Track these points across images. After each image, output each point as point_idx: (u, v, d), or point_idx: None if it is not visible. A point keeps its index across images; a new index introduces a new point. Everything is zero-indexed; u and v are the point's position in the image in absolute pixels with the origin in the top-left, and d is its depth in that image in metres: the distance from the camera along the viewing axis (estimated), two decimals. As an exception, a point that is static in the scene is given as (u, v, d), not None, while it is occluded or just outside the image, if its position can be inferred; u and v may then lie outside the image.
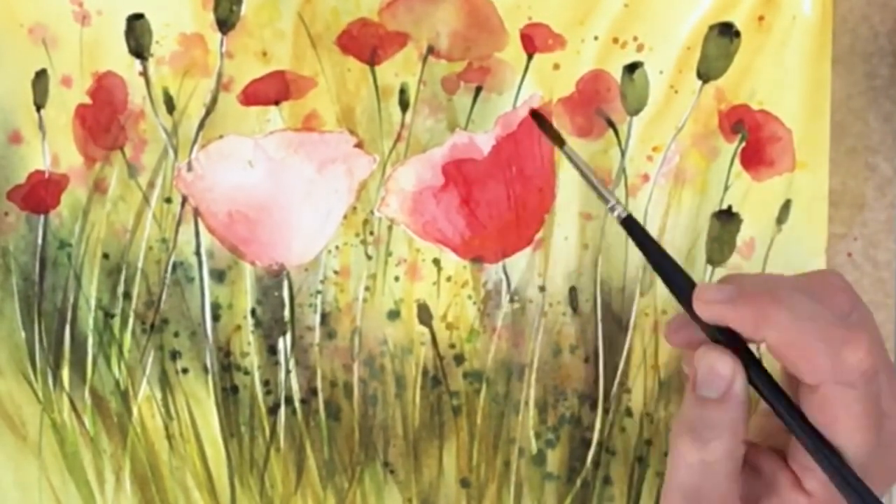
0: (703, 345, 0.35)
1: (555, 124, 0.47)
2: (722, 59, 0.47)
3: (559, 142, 0.42)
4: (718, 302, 0.34)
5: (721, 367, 0.34)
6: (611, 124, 0.47)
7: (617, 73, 0.47)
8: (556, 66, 0.47)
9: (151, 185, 0.47)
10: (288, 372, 0.48)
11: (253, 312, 0.48)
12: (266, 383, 0.48)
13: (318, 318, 0.48)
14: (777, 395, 0.34)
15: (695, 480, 0.34)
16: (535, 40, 0.47)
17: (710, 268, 0.48)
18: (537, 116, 0.44)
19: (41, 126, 0.47)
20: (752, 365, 0.35)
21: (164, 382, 0.48)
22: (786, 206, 0.47)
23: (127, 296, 0.48)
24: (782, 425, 0.35)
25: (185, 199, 0.48)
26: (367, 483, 0.48)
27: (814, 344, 0.33)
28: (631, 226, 0.38)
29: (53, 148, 0.47)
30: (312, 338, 0.48)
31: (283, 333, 0.48)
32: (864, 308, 0.36)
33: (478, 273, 0.48)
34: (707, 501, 0.35)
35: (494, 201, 0.47)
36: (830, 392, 0.33)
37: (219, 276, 0.48)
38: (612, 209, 0.38)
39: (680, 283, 0.36)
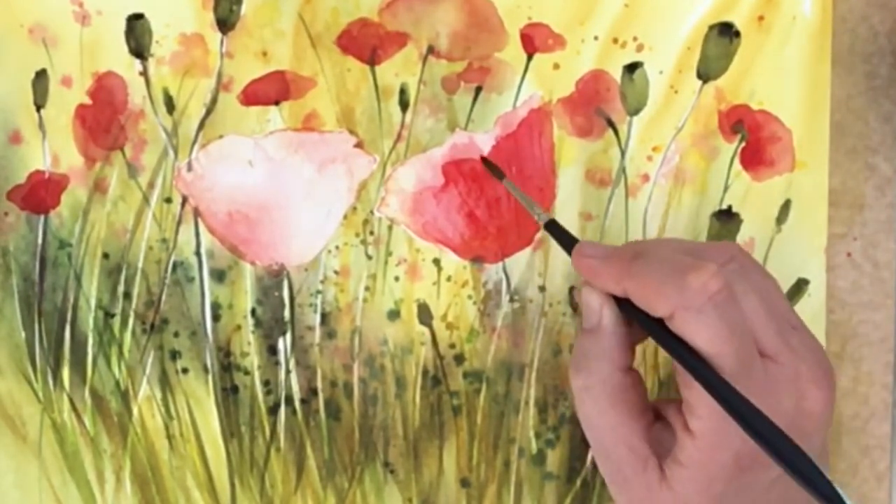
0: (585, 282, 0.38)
1: (554, 125, 0.47)
2: (722, 59, 0.47)
3: (499, 175, 0.45)
4: (592, 256, 0.37)
5: (591, 300, 0.37)
6: (611, 124, 0.47)
7: (617, 73, 0.47)
8: (556, 66, 0.47)
9: (151, 185, 0.47)
10: (288, 372, 0.48)
11: (253, 312, 0.48)
12: (266, 383, 0.48)
13: (318, 318, 0.48)
14: (651, 324, 0.35)
15: (584, 408, 0.37)
16: (535, 40, 0.47)
17: (709, 268, 0.48)
18: (486, 161, 0.47)
19: (41, 126, 0.47)
20: (627, 303, 0.36)
21: (165, 382, 0.48)
22: (786, 206, 0.47)
23: (127, 296, 0.48)
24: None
25: (185, 199, 0.47)
26: (367, 483, 0.48)
27: (662, 278, 0.34)
28: (553, 230, 0.41)
29: (53, 148, 0.47)
30: (312, 338, 0.48)
31: (284, 333, 0.48)
32: (748, 263, 0.37)
33: (478, 273, 0.48)
34: (598, 428, 0.37)
35: (494, 201, 0.47)
36: (680, 318, 0.33)
37: (219, 276, 0.48)
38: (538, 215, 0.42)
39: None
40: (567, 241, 0.40)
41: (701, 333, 0.33)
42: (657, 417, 0.38)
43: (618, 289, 0.36)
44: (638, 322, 0.36)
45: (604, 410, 0.36)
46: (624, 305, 0.37)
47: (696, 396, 0.34)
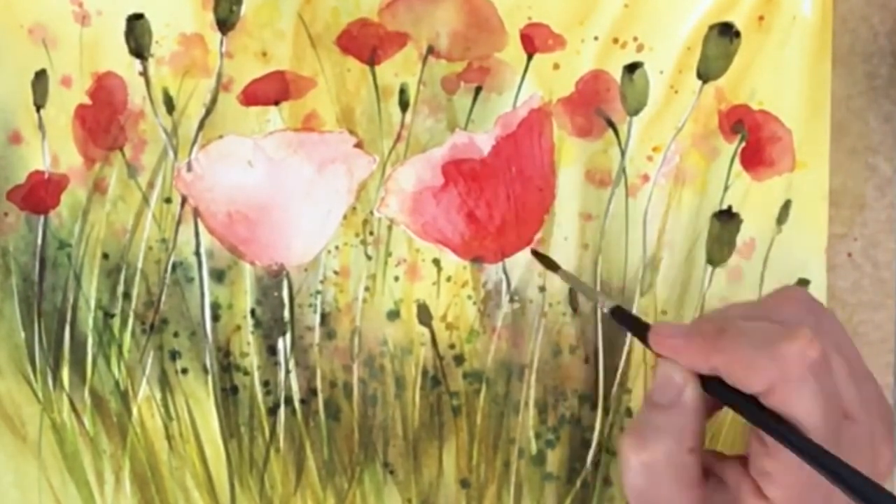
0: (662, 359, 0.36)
1: (554, 125, 0.47)
2: (722, 59, 0.47)
3: (553, 267, 0.46)
4: (673, 336, 0.35)
5: (674, 374, 0.35)
6: (611, 124, 0.47)
7: (617, 74, 0.47)
8: (556, 66, 0.47)
9: (151, 185, 0.47)
10: (287, 372, 0.48)
11: (252, 313, 0.48)
12: (266, 384, 0.48)
13: (317, 319, 0.48)
14: (740, 400, 0.34)
15: (639, 482, 0.35)
16: (534, 40, 0.47)
17: (710, 268, 0.48)
18: (537, 254, 0.47)
19: (41, 126, 0.47)
20: (714, 380, 0.35)
21: (164, 383, 0.48)
22: (786, 207, 0.47)
23: (126, 296, 0.48)
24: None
25: (184, 200, 0.47)
26: (366, 483, 0.48)
27: (754, 352, 0.33)
28: (621, 317, 0.39)
29: (53, 148, 0.47)
30: (312, 338, 0.48)
31: (283, 334, 0.48)
32: (823, 314, 0.36)
33: (478, 273, 0.48)
34: (642, 493, 0.35)
35: (494, 201, 0.47)
36: (780, 391, 0.32)
37: (218, 276, 0.48)
38: (601, 305, 0.40)
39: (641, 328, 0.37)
40: (637, 326, 0.38)
41: (802, 405, 0.32)
42: (705, 474, 0.36)
43: (706, 367, 0.34)
44: (724, 400, 0.35)
45: (662, 487, 0.35)
46: (708, 384, 0.35)
47: (778, 465, 0.33)
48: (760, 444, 0.34)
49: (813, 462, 0.32)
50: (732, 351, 0.33)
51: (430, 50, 0.47)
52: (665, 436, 0.34)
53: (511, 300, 0.48)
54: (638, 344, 0.48)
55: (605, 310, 0.39)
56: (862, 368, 0.35)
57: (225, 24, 0.47)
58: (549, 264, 0.46)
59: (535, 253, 0.47)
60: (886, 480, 0.34)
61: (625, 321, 0.39)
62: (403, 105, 0.47)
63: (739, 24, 0.46)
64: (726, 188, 0.47)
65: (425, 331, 0.48)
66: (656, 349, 0.35)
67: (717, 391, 0.34)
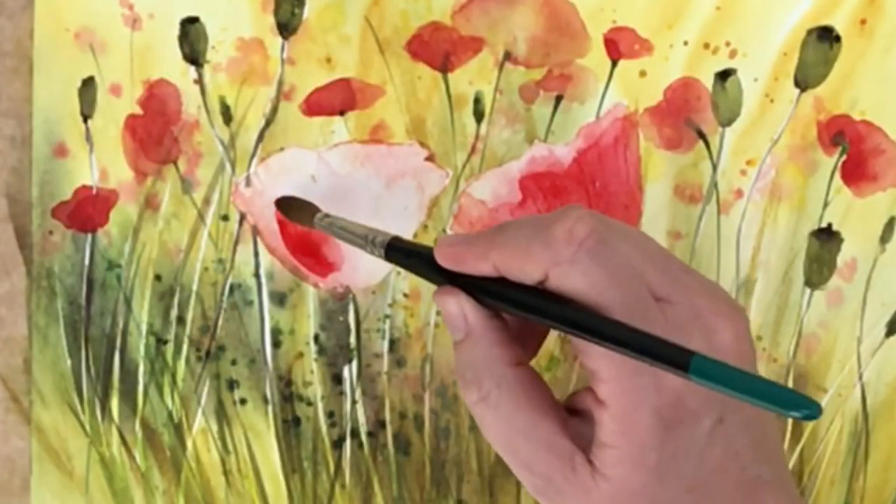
0: (436, 290, 0.35)
1: (640, 136, 0.44)
2: (821, 66, 0.45)
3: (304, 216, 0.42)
4: (452, 245, 0.34)
5: (449, 306, 0.34)
6: (701, 136, 0.45)
7: (708, 81, 0.45)
8: (643, 74, 0.45)
9: (207, 201, 0.45)
10: (354, 402, 0.46)
11: (316, 339, 0.46)
12: (330, 415, 0.46)
13: (386, 345, 0.46)
14: (521, 297, 0.32)
15: (487, 421, 0.34)
16: (619, 45, 0.44)
17: (808, 290, 0.45)
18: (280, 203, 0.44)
19: (88, 138, 0.45)
20: (488, 290, 0.33)
21: (221, 414, 0.46)
22: (890, 224, 0.45)
23: (181, 320, 0.46)
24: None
25: (242, 217, 0.45)
26: (437, 521, 0.47)
27: (526, 241, 0.32)
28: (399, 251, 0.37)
29: (101, 161, 0.45)
30: (380, 366, 0.46)
31: (349, 361, 0.46)
32: (602, 218, 0.34)
33: (558, 296, 0.45)
34: (510, 439, 0.34)
35: (576, 219, 0.45)
36: (554, 276, 0.31)
37: (279, 299, 0.46)
38: (373, 244, 0.38)
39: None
40: (417, 255, 0.36)
41: (579, 284, 0.31)
42: (571, 413, 0.35)
43: (486, 266, 0.33)
44: (506, 305, 0.33)
45: (509, 415, 0.33)
46: (489, 295, 0.34)
47: (596, 359, 0.31)
48: (578, 346, 0.32)
49: (594, 335, 0.30)
50: (508, 244, 0.32)
51: (507, 56, 0.45)
52: (480, 365, 0.34)
53: (594, 325, 0.45)
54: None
55: (379, 250, 0.37)
56: (674, 260, 0.33)
57: (286, 28, 0.45)
58: (300, 215, 0.42)
59: (278, 205, 0.44)
60: (737, 350, 0.31)
61: (401, 256, 0.37)
62: (478, 115, 0.45)
63: (840, 28, 0.44)
64: (826, 204, 0.45)
65: (502, 358, 0.45)
66: (442, 261, 0.34)
67: (493, 293, 0.33)
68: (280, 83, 0.45)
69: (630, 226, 0.35)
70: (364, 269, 0.45)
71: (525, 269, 0.32)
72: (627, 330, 0.30)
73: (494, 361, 0.33)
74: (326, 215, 0.41)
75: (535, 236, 0.31)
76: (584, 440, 0.33)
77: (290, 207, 0.43)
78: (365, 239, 0.38)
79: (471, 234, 0.35)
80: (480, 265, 0.33)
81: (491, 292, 0.33)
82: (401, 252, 0.37)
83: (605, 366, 0.31)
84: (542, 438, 0.33)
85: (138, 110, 0.45)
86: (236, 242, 0.45)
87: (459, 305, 0.34)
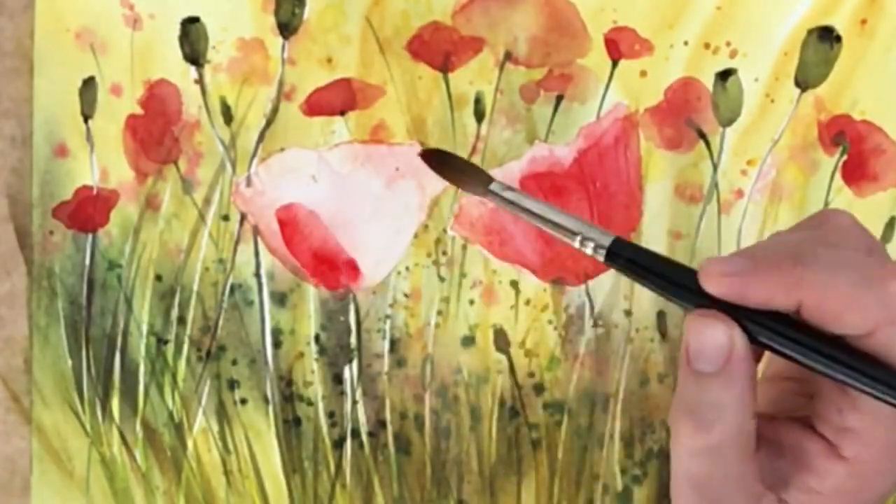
0: (691, 312, 0.30)
1: (641, 136, 0.44)
2: (822, 66, 0.45)
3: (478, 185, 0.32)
4: (732, 274, 0.30)
5: (717, 333, 0.30)
6: (702, 136, 0.45)
7: (709, 81, 0.45)
8: (643, 74, 0.45)
9: (207, 201, 0.45)
10: (354, 402, 0.46)
11: (317, 339, 0.46)
12: (331, 415, 0.46)
13: (386, 345, 0.46)
14: (806, 344, 0.29)
15: (703, 469, 0.31)
16: (620, 45, 0.44)
17: (808, 290, 0.45)
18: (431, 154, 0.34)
19: (89, 138, 0.45)
20: (760, 321, 0.30)
21: (222, 414, 0.46)
22: (890, 224, 0.45)
23: (181, 321, 0.46)
24: (799, 390, 0.32)
25: (243, 217, 0.45)
26: (437, 521, 0.47)
27: (856, 289, 0.29)
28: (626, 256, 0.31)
29: (102, 161, 0.45)
30: (381, 366, 0.46)
31: (350, 361, 0.46)
32: (876, 239, 0.33)
33: (559, 296, 0.45)
34: (720, 490, 0.31)
35: (576, 219, 0.45)
36: (884, 334, 0.29)
37: (280, 299, 0.46)
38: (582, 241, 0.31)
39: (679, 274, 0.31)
40: (658, 265, 0.31)
41: None
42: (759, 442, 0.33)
43: (787, 301, 0.30)
44: (788, 347, 0.30)
45: (731, 469, 0.31)
46: (763, 331, 0.30)
47: (865, 419, 0.30)
48: (841, 395, 0.30)
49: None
50: (826, 285, 0.29)
51: (508, 56, 0.45)
52: (728, 411, 0.30)
53: (595, 325, 0.46)
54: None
55: (596, 251, 0.31)
56: None
57: (287, 28, 0.45)
58: (464, 179, 0.33)
59: (428, 154, 0.34)
60: None
61: (630, 263, 0.31)
62: (479, 115, 0.45)
63: (840, 28, 0.44)
64: (826, 204, 0.45)
65: (502, 358, 0.46)
66: (713, 288, 0.30)
67: (777, 337, 0.29)
68: (280, 83, 0.45)
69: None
70: (364, 270, 0.45)
71: (846, 318, 0.29)
72: None
73: (742, 410, 0.30)
74: (503, 189, 0.32)
75: (867, 287, 0.29)
76: (774, 476, 0.32)
77: (447, 166, 0.34)
78: (572, 233, 0.31)
79: (748, 258, 0.30)
80: (778, 298, 0.30)
81: (770, 328, 0.30)
82: (629, 259, 0.31)
83: (872, 425, 0.30)
84: (744, 485, 0.31)
85: (139, 110, 0.45)
86: (237, 242, 0.45)
87: (729, 335, 0.30)
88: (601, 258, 0.30)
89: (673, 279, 0.30)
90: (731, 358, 0.30)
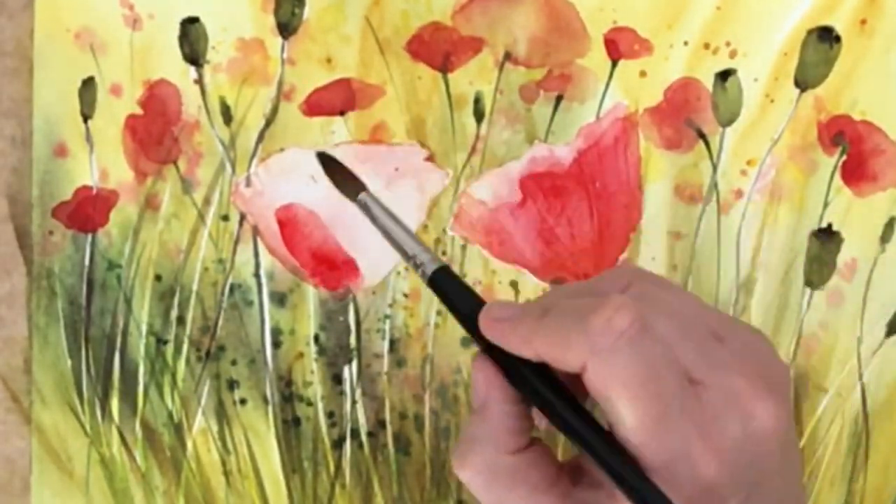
0: (475, 356, 0.33)
1: (641, 137, 0.44)
2: (821, 66, 0.44)
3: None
4: (499, 320, 0.32)
5: (477, 377, 0.32)
6: (702, 136, 0.45)
7: (708, 81, 0.44)
8: (643, 74, 0.44)
9: (207, 201, 0.45)
10: (354, 403, 0.46)
11: (316, 339, 0.46)
12: (330, 415, 0.46)
13: (386, 345, 0.46)
14: (551, 402, 0.31)
15: (480, 496, 0.32)
16: (619, 46, 0.44)
17: (808, 290, 0.45)
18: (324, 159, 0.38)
19: (88, 138, 0.45)
20: (524, 371, 0.31)
21: (221, 414, 0.46)
22: (890, 225, 0.45)
23: (181, 321, 0.46)
24: None
25: (243, 217, 0.45)
26: (437, 521, 0.47)
27: (564, 330, 0.30)
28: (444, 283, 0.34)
29: (102, 162, 0.45)
30: (380, 366, 0.46)
31: (349, 361, 0.46)
32: (647, 280, 0.33)
33: (558, 296, 0.45)
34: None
35: (576, 218, 0.45)
36: (592, 367, 0.29)
37: (279, 299, 0.45)
38: (417, 265, 0.34)
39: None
40: (463, 300, 0.33)
41: (618, 376, 0.29)
42: (580, 474, 0.33)
43: (529, 351, 0.31)
44: (530, 395, 0.32)
45: (502, 498, 0.32)
46: (521, 380, 0.32)
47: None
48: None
49: (603, 466, 0.29)
50: (550, 331, 0.30)
51: (508, 56, 0.44)
52: (479, 445, 0.32)
53: (594, 325, 0.45)
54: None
55: (421, 272, 0.34)
56: (716, 328, 0.32)
57: (286, 28, 0.44)
58: (342, 183, 0.36)
59: (323, 158, 0.37)
60: (775, 436, 0.30)
61: (447, 291, 0.33)
62: (478, 115, 0.45)
63: (840, 29, 0.44)
64: (826, 205, 0.45)
65: (502, 358, 0.45)
66: (486, 333, 0.32)
67: (524, 385, 0.31)
68: (280, 83, 0.45)
69: (671, 287, 0.33)
70: (364, 270, 0.45)
71: (565, 358, 0.30)
72: (626, 467, 0.29)
73: (494, 446, 0.32)
74: (371, 201, 0.35)
75: (573, 325, 0.30)
76: None
77: (334, 171, 0.37)
78: (404, 252, 0.34)
79: (519, 306, 0.32)
80: (523, 349, 0.31)
81: (523, 378, 0.32)
82: (445, 286, 0.34)
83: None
84: None
85: (138, 110, 0.45)
86: (236, 242, 0.45)
87: (486, 378, 0.32)
88: (425, 282, 0.33)
89: (470, 319, 0.32)
90: (487, 397, 0.32)
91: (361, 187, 0.36)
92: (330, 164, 0.37)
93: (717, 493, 0.29)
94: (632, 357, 0.29)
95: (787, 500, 0.31)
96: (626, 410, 0.29)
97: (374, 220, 0.35)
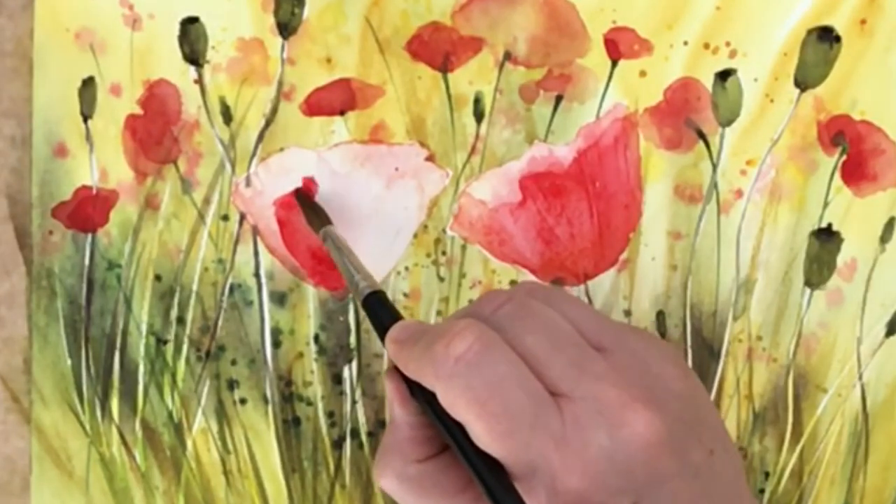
0: (387, 369, 0.35)
1: (640, 137, 0.44)
2: (821, 66, 0.44)
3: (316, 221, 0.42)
4: (393, 341, 0.34)
5: (387, 389, 0.34)
6: (701, 136, 0.44)
7: (708, 81, 0.44)
8: (643, 74, 0.44)
9: (207, 201, 0.45)
10: (354, 402, 0.46)
11: (316, 339, 0.46)
12: (330, 415, 0.46)
13: None
14: (441, 421, 0.32)
15: (398, 499, 0.34)
16: (619, 45, 0.44)
17: (808, 290, 0.45)
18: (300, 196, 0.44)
19: (88, 138, 0.45)
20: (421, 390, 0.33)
21: (221, 414, 0.46)
22: (890, 225, 0.45)
23: (181, 320, 0.45)
24: None
25: (242, 217, 0.45)
26: (437, 521, 0.46)
27: (418, 353, 0.32)
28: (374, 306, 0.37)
29: (101, 161, 0.45)
30: (380, 366, 0.46)
31: (349, 361, 0.46)
32: (520, 294, 0.33)
33: (558, 296, 0.45)
34: None
35: (576, 218, 0.44)
36: (439, 391, 0.31)
37: (279, 299, 0.45)
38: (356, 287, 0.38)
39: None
40: (384, 321, 0.36)
41: (460, 399, 0.30)
42: None
43: (408, 373, 0.33)
44: (428, 412, 0.33)
45: (416, 501, 0.34)
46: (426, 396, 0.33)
47: None
48: None
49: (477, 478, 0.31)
50: (413, 357, 0.32)
51: (507, 56, 0.44)
52: (389, 454, 0.34)
53: (594, 325, 0.45)
54: (731, 372, 0.45)
55: (358, 295, 0.37)
56: (597, 338, 0.32)
57: (286, 28, 0.44)
58: (312, 218, 0.42)
59: (299, 195, 0.44)
60: (651, 442, 0.30)
61: (376, 314, 0.36)
62: (478, 115, 0.45)
63: (840, 29, 0.44)
64: (826, 204, 0.45)
65: (502, 358, 0.45)
66: (388, 351, 0.35)
67: (425, 403, 0.33)
68: (280, 83, 0.44)
69: (562, 301, 0.33)
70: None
71: (424, 383, 0.32)
72: (488, 474, 0.30)
73: (401, 455, 0.34)
74: (331, 234, 0.41)
75: (423, 352, 0.32)
76: None
77: (306, 206, 0.43)
78: (351, 278, 0.38)
79: (413, 329, 0.34)
80: (408, 371, 0.33)
81: (420, 393, 0.33)
82: (374, 309, 0.37)
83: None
84: None
85: (138, 110, 0.45)
86: (236, 242, 0.45)
87: (391, 390, 0.34)
88: (360, 302, 0.37)
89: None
90: (394, 411, 0.34)
91: (324, 223, 0.41)
92: (303, 201, 0.43)
93: (591, 502, 0.30)
94: (470, 380, 0.30)
95: (700, 502, 0.31)
96: (474, 428, 0.30)
97: (329, 251, 0.40)
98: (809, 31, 0.44)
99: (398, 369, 0.34)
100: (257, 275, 0.45)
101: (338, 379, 0.46)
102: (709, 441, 0.32)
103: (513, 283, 0.45)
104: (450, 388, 0.30)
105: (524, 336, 0.31)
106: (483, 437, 0.30)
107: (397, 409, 0.34)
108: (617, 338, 0.33)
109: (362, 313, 0.45)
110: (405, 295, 0.45)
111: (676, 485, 0.30)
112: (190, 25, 0.44)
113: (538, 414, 0.30)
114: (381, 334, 0.35)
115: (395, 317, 0.36)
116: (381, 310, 0.36)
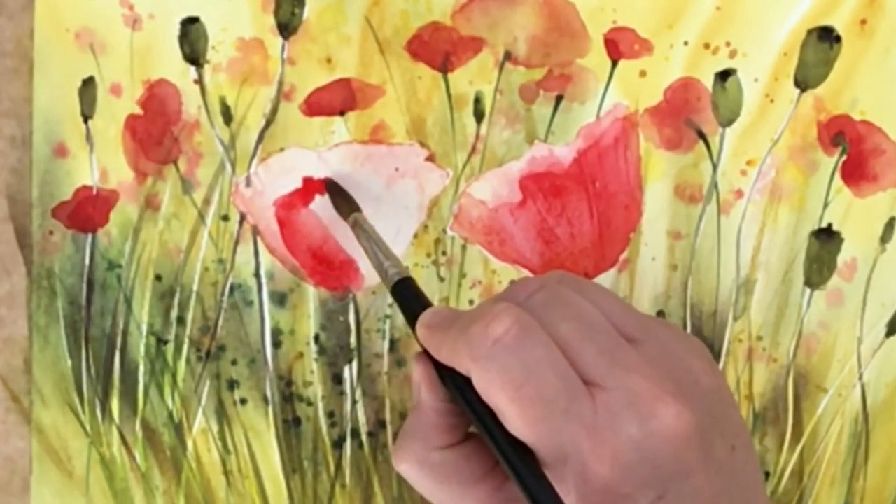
0: (415, 353, 0.35)
1: (641, 137, 0.44)
2: (821, 66, 0.44)
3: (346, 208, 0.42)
4: (426, 326, 0.34)
5: (413, 374, 0.34)
6: (702, 136, 0.44)
7: (708, 82, 0.44)
8: (643, 74, 0.44)
9: (207, 201, 0.45)
10: (354, 402, 0.46)
11: (316, 339, 0.45)
12: (331, 415, 0.46)
13: (386, 345, 0.45)
14: (471, 407, 0.32)
15: (416, 487, 0.34)
16: (619, 45, 0.44)
17: (808, 291, 0.45)
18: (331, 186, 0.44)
19: (89, 138, 0.45)
20: (452, 375, 0.33)
21: (221, 414, 0.46)
22: (890, 225, 0.45)
23: (181, 321, 0.45)
24: None
25: (243, 217, 0.45)
26: (437, 521, 0.46)
27: (453, 335, 0.32)
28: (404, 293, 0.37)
29: (102, 162, 0.45)
30: (380, 366, 0.45)
31: (349, 361, 0.46)
32: (551, 283, 0.33)
33: (558, 296, 0.45)
34: (427, 496, 0.34)
35: (576, 218, 0.44)
36: (474, 373, 0.31)
37: (280, 299, 0.45)
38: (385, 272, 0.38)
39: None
40: (421, 307, 0.35)
41: (495, 383, 0.30)
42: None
43: (442, 358, 0.33)
44: (456, 396, 0.33)
45: (434, 491, 0.34)
46: (449, 381, 0.33)
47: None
48: None
49: (504, 462, 0.31)
50: (448, 341, 0.32)
51: (508, 56, 0.44)
52: (411, 440, 0.34)
53: (594, 325, 0.45)
54: (731, 372, 0.45)
55: (388, 281, 0.37)
56: (628, 329, 0.32)
57: (286, 29, 0.44)
58: (341, 204, 0.42)
59: (328, 183, 0.44)
60: (680, 436, 0.30)
61: (406, 300, 0.36)
62: (478, 115, 0.45)
63: (840, 29, 0.44)
64: (826, 205, 0.45)
65: (502, 358, 0.45)
66: (419, 337, 0.34)
67: (456, 388, 0.33)
68: (280, 83, 0.44)
69: (592, 291, 0.33)
70: (364, 270, 0.45)
71: (459, 366, 0.32)
72: (523, 464, 0.30)
73: (424, 441, 0.33)
74: (360, 220, 0.41)
75: (459, 335, 0.31)
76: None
77: (335, 192, 0.43)
78: (380, 265, 0.38)
79: (446, 315, 0.34)
80: (439, 356, 0.33)
81: (450, 378, 0.33)
82: (404, 295, 0.37)
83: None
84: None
85: (138, 110, 0.44)
86: (236, 242, 0.45)
87: (419, 375, 0.34)
88: (389, 288, 0.37)
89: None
90: (420, 396, 0.34)
91: (353, 209, 0.41)
92: (331, 188, 0.43)
93: (618, 492, 0.30)
94: (507, 362, 0.30)
95: (720, 499, 0.31)
96: (507, 412, 0.30)
97: (358, 238, 0.40)
98: (809, 31, 0.44)
99: (427, 354, 0.33)
100: (257, 275, 0.45)
101: (338, 379, 0.46)
102: (731, 437, 0.32)
103: (513, 283, 0.45)
104: (486, 370, 0.30)
105: (558, 323, 0.31)
106: (515, 421, 0.30)
107: (425, 394, 0.33)
108: (647, 329, 0.33)
109: (362, 313, 0.45)
110: (405, 295, 0.45)
111: (700, 479, 0.30)
112: (190, 25, 0.44)
113: (571, 401, 0.30)
114: (411, 320, 0.35)
115: (426, 303, 0.35)
116: (411, 296, 0.36)
